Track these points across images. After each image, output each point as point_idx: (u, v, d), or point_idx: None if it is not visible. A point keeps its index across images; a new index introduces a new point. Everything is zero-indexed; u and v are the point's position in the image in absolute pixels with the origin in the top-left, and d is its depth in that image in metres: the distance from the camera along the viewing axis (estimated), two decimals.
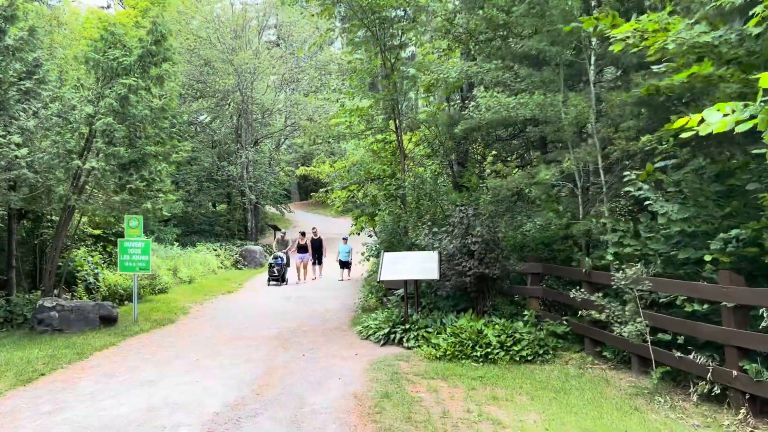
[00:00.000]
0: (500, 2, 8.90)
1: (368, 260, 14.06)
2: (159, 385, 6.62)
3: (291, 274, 17.97)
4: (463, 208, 9.27)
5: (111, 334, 9.75)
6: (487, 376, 6.65)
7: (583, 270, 7.38)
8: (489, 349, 7.43)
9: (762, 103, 3.48)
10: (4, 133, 9.34)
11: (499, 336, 7.59)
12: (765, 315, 4.84)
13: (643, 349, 6.21)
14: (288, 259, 18.17)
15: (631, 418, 5.21)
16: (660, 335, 6.04)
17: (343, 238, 18.08)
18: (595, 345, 7.45)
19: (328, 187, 18.85)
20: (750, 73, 4.98)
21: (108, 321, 10.41)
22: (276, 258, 17.55)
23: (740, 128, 3.46)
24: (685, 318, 5.83)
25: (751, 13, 4.43)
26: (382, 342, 8.72)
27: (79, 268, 13.07)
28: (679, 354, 5.69)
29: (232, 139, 29.37)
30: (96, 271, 13.42)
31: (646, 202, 6.40)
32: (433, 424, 5.10)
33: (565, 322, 7.93)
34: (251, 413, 5.52)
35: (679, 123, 3.58)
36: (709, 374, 5.34)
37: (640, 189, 6.44)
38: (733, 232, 5.46)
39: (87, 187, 11.40)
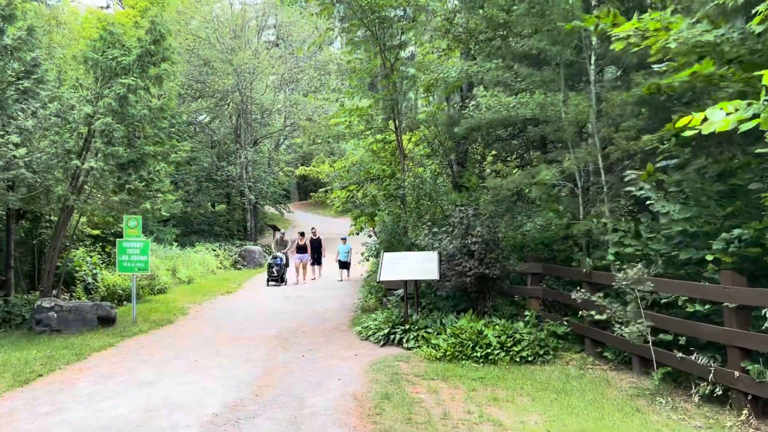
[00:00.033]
0: (500, 1, 8.87)
1: (368, 260, 14.02)
2: (158, 385, 6.58)
3: (290, 274, 17.94)
4: (463, 208, 9.24)
5: (109, 334, 9.71)
6: (488, 377, 6.62)
7: (584, 270, 7.35)
8: (489, 350, 7.39)
9: (765, 102, 3.45)
10: (2, 132, 9.30)
11: (499, 336, 7.56)
12: (767, 315, 4.80)
13: (644, 350, 6.18)
14: (287, 259, 18.14)
15: (633, 420, 5.17)
16: (661, 336, 6.01)
17: (342, 238, 18.04)
18: (595, 345, 7.42)
19: (328, 187, 18.81)
20: (752, 73, 4.95)
21: (106, 321, 10.37)
22: (275, 258, 17.52)
23: (744, 127, 3.43)
24: (686, 318, 5.80)
25: (754, 11, 4.40)
26: (381, 342, 8.69)
27: (77, 268, 13.03)
28: (680, 355, 5.66)
29: (232, 139, 29.33)
30: (95, 271, 13.38)
31: (648, 202, 6.37)
32: (434, 425, 5.06)
33: (565, 322, 7.90)
34: (250, 414, 5.49)
35: (682, 122, 3.55)
36: (711, 375, 5.31)
37: (641, 189, 6.40)
38: (736, 232, 5.43)
39: (86, 187, 11.36)
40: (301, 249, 18.06)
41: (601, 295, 6.81)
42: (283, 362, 7.67)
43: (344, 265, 18.02)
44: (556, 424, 5.05)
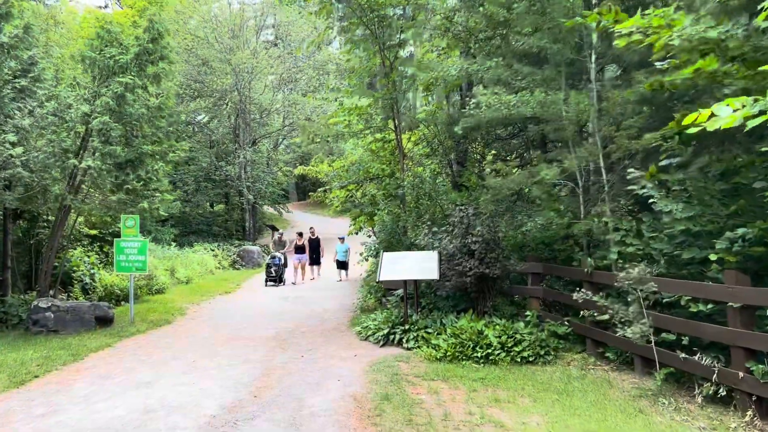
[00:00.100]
0: None
1: (367, 260, 13.97)
2: (155, 386, 6.51)
3: (289, 274, 17.88)
4: (463, 207, 9.18)
5: (107, 335, 9.64)
6: (489, 378, 6.56)
7: (585, 270, 7.29)
8: (490, 350, 7.34)
9: None
10: None
11: (499, 337, 7.50)
12: None
13: (646, 350, 6.12)
14: (285, 259, 18.08)
15: (636, 421, 5.12)
16: (664, 336, 5.96)
17: (340, 238, 17.97)
18: (597, 346, 7.37)
19: (327, 187, 18.75)
20: (755, 70, 4.90)
21: (104, 322, 10.30)
22: (273, 258, 17.45)
23: (751, 124, 3.38)
24: (688, 318, 5.75)
25: (759, 7, 4.34)
26: (381, 343, 8.63)
27: (75, 268, 12.95)
28: (683, 355, 5.60)
29: (230, 139, 29.27)
30: (92, 271, 13.30)
31: (650, 201, 6.31)
32: (435, 426, 5.00)
33: (566, 322, 7.84)
34: (249, 415, 5.42)
35: (689, 118, 3.50)
36: (715, 376, 5.26)
37: (644, 187, 6.34)
38: (740, 231, 5.37)
39: (83, 186, 11.29)
40: (299, 249, 18.00)
41: (603, 295, 6.75)
42: (281, 363, 7.60)
43: (342, 265, 17.95)
44: (559, 425, 4.99)
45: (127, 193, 11.01)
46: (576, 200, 8.29)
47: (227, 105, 28.76)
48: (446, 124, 11.95)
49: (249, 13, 31.45)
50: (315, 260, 18.46)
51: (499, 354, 7.27)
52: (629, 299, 6.23)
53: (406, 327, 8.59)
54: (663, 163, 6.45)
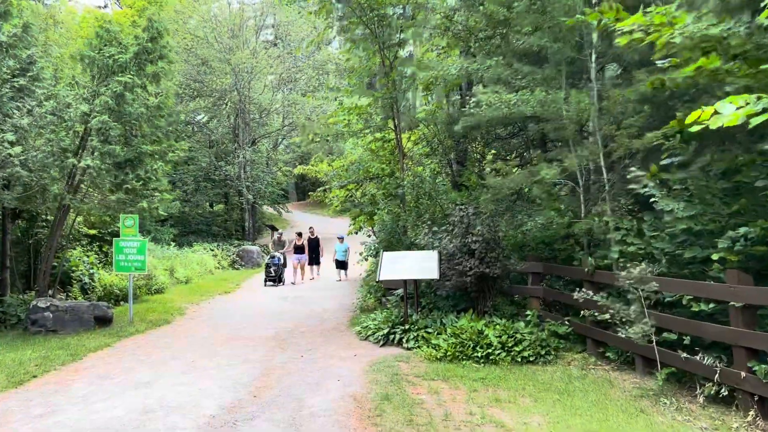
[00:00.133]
0: None
1: (366, 260, 13.93)
2: (154, 386, 6.48)
3: (288, 274, 17.84)
4: (463, 206, 9.15)
5: (106, 334, 9.61)
6: (489, 378, 6.54)
7: (586, 270, 7.26)
8: (490, 350, 7.31)
9: None
10: None
11: (500, 336, 7.47)
12: None
13: (647, 350, 6.09)
14: (285, 259, 18.05)
15: (638, 421, 5.09)
16: (665, 335, 5.93)
17: (339, 237, 17.93)
18: (597, 345, 7.34)
19: (326, 186, 18.71)
20: (758, 68, 4.87)
21: (103, 321, 10.27)
22: (273, 258, 17.43)
23: (754, 121, 3.35)
24: (690, 318, 5.72)
25: (762, 5, 4.31)
26: (381, 342, 8.60)
27: (74, 268, 12.92)
28: (685, 355, 5.57)
29: (230, 139, 29.23)
30: (91, 271, 13.27)
31: (652, 200, 6.28)
32: (436, 427, 4.97)
33: (566, 322, 7.82)
34: (248, 416, 5.39)
35: (693, 116, 3.48)
36: (717, 375, 5.23)
37: (645, 186, 6.31)
38: (742, 230, 5.34)
39: (82, 186, 11.26)
40: (298, 249, 17.97)
41: (604, 294, 6.72)
42: (281, 363, 7.57)
43: (341, 264, 17.91)
44: (560, 425, 4.96)
45: (127, 193, 10.98)
46: (576, 199, 8.26)
47: (227, 105, 28.72)
48: (446, 124, 11.92)
49: (248, 12, 31.41)
50: (314, 260, 18.42)
51: (499, 354, 7.24)
52: (630, 299, 6.20)
53: (406, 327, 8.56)
54: (664, 162, 6.42)
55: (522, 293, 9.10)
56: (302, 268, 18.02)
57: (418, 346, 7.99)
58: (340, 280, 17.59)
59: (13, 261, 11.50)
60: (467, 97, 11.38)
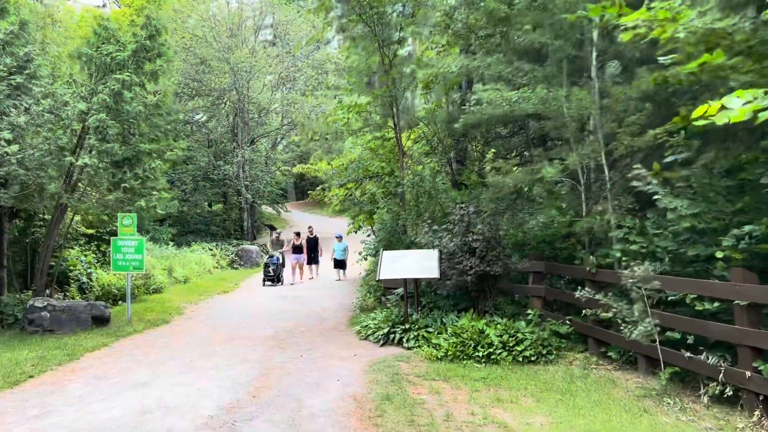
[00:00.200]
0: None
1: (365, 259, 13.87)
2: (152, 387, 6.41)
3: (287, 274, 17.78)
4: (463, 205, 9.09)
5: (103, 334, 9.53)
6: (490, 377, 6.47)
7: (587, 268, 7.20)
8: (491, 350, 7.25)
9: None
10: None
11: (501, 336, 7.41)
12: None
13: (650, 349, 6.03)
14: (283, 258, 17.99)
15: (641, 421, 5.03)
16: (668, 334, 5.87)
17: (337, 237, 17.86)
18: (599, 345, 7.28)
19: (325, 185, 18.65)
20: (763, 63, 4.81)
21: (101, 321, 10.20)
22: (271, 258, 17.39)
23: (762, 116, 3.28)
24: (693, 317, 5.66)
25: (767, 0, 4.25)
26: (381, 342, 8.54)
27: (72, 267, 12.84)
28: (688, 354, 5.51)
29: (229, 138, 29.15)
30: (89, 270, 13.19)
31: (655, 197, 6.21)
32: (437, 427, 4.91)
33: (568, 321, 7.75)
34: (247, 416, 5.32)
35: (699, 110, 3.41)
36: (721, 375, 5.17)
37: (649, 184, 6.25)
38: (746, 228, 5.29)
39: (80, 184, 11.19)
40: (297, 249, 17.90)
41: (609, 293, 6.65)
42: (280, 363, 7.51)
43: (340, 264, 17.83)
44: (564, 425, 4.90)
45: (125, 192, 10.89)
46: (578, 198, 8.21)
47: (225, 104, 28.66)
48: (446, 122, 11.86)
49: (247, 12, 31.34)
50: (313, 259, 18.35)
51: (500, 353, 7.18)
52: (633, 298, 6.13)
53: (407, 326, 8.49)
54: (667, 159, 6.35)
55: (523, 292, 9.04)
56: (301, 268, 17.95)
57: (419, 346, 7.93)
58: (339, 280, 17.52)
59: (10, 260, 11.42)
60: (467, 95, 11.33)
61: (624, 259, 6.60)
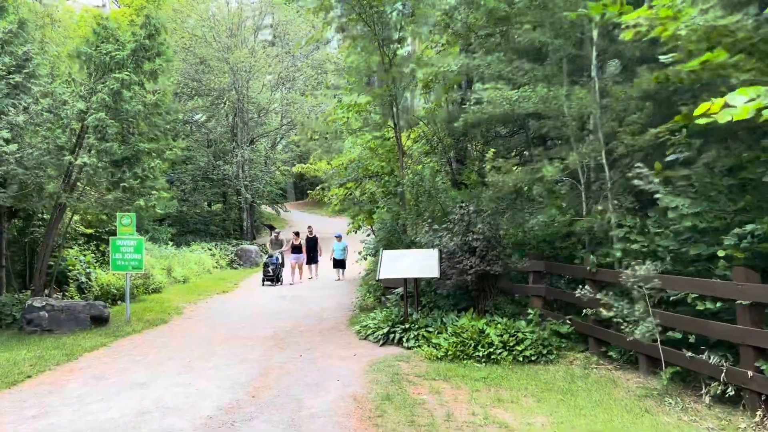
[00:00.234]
0: None
1: (365, 259, 13.83)
2: (150, 387, 6.38)
3: (286, 274, 17.75)
4: (464, 204, 9.06)
5: (102, 334, 9.50)
6: (491, 377, 6.45)
7: (588, 268, 7.17)
8: (491, 349, 7.22)
9: None
10: None
11: (501, 335, 7.38)
12: None
13: (651, 349, 6.00)
14: (283, 258, 17.96)
15: (643, 421, 5.00)
16: (669, 334, 5.84)
17: (336, 236, 17.83)
18: (599, 345, 7.25)
19: (325, 184, 18.62)
20: (765, 61, 4.79)
21: (99, 321, 10.16)
22: (271, 257, 17.36)
23: (766, 113, 3.26)
24: (695, 316, 5.63)
25: None
26: (381, 342, 8.51)
27: (70, 267, 12.80)
28: (690, 354, 5.49)
29: (228, 138, 29.11)
30: (88, 270, 13.15)
31: (656, 196, 6.19)
32: (438, 427, 4.88)
33: (568, 321, 7.72)
34: (246, 417, 5.29)
35: (701, 108, 3.39)
36: (723, 375, 5.14)
37: (650, 183, 6.22)
38: (748, 227, 5.26)
39: (79, 184, 11.14)
40: (296, 249, 17.87)
41: (610, 293, 6.62)
42: (279, 362, 7.48)
43: (339, 263, 17.80)
44: (565, 426, 4.87)
45: (124, 191, 10.86)
46: (578, 197, 8.18)
47: (225, 104, 28.61)
48: (446, 122, 11.83)
49: (247, 12, 31.31)
50: (312, 259, 18.32)
51: (501, 353, 7.15)
52: (634, 297, 6.11)
53: (407, 326, 8.47)
54: (668, 158, 6.33)
55: (523, 292, 9.01)
56: (300, 268, 17.92)
57: (419, 346, 7.90)
58: (338, 280, 17.49)
59: (8, 260, 11.39)
60: (467, 94, 11.30)
61: (625, 258, 6.57)
